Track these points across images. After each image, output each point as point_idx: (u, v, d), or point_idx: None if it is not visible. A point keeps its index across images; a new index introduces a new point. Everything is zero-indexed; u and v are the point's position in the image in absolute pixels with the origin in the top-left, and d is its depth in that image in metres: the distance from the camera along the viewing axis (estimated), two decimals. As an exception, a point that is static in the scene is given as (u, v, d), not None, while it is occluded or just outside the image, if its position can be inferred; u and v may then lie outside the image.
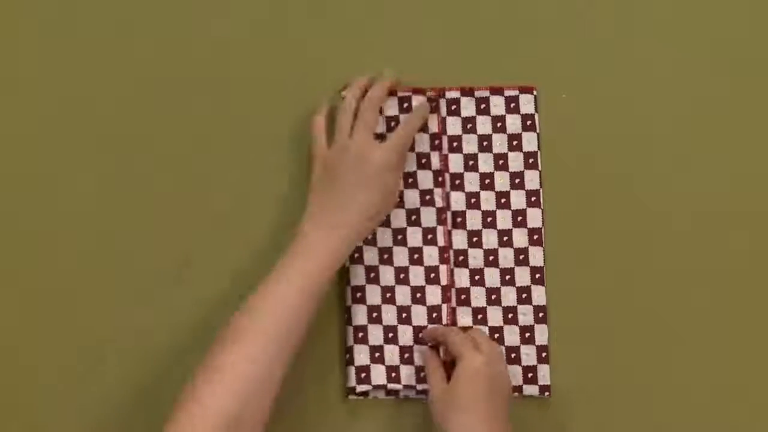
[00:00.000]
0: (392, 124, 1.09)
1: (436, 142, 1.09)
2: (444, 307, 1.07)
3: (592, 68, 1.11)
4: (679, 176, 1.10)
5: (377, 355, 1.07)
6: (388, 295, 1.08)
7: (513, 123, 1.09)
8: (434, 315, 1.07)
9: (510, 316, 1.07)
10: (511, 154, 1.09)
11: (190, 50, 1.12)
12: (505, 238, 1.08)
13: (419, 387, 1.07)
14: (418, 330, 1.08)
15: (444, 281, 1.08)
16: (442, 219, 1.08)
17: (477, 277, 1.08)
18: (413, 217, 1.09)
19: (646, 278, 1.08)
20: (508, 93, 1.08)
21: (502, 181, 1.08)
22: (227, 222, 1.09)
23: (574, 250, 1.09)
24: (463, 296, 1.08)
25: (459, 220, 1.08)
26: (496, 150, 1.09)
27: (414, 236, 1.08)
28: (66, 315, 1.08)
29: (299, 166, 1.10)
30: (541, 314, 1.07)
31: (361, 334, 1.07)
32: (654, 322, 1.08)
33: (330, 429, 1.08)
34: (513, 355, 1.07)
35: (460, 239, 1.08)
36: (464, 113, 1.09)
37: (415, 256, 1.08)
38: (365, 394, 1.07)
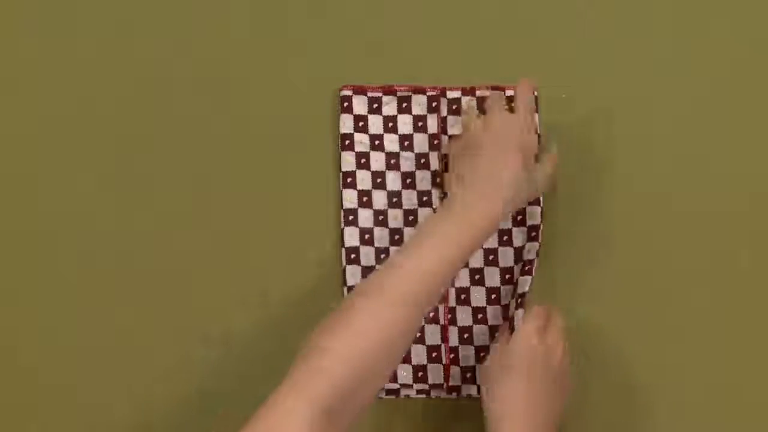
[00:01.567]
0: (389, 125, 1.09)
1: (435, 142, 1.09)
2: (440, 307, 1.07)
3: (591, 68, 1.11)
4: (679, 176, 1.10)
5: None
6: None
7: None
8: (430, 315, 1.07)
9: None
10: None
11: (190, 50, 1.12)
12: (505, 238, 1.08)
13: (417, 386, 1.07)
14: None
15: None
16: None
17: (477, 277, 1.08)
18: (410, 218, 1.09)
19: (645, 278, 1.08)
20: (509, 93, 1.08)
21: None
22: (227, 221, 1.09)
23: (573, 250, 1.09)
24: (462, 296, 1.08)
25: None
26: None
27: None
28: (66, 315, 1.08)
29: (299, 165, 1.10)
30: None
31: None
32: (652, 322, 1.08)
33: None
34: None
35: None
36: None
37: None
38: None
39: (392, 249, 1.08)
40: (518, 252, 1.08)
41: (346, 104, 1.09)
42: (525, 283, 1.04)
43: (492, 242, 1.08)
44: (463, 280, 1.08)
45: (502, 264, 1.08)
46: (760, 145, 1.10)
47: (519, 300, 1.03)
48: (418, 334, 1.07)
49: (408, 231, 1.08)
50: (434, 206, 1.08)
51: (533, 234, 1.07)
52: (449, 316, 1.07)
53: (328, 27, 1.12)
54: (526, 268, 1.06)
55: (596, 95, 1.10)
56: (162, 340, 1.08)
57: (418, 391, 1.07)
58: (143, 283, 1.08)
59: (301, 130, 1.10)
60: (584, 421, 1.07)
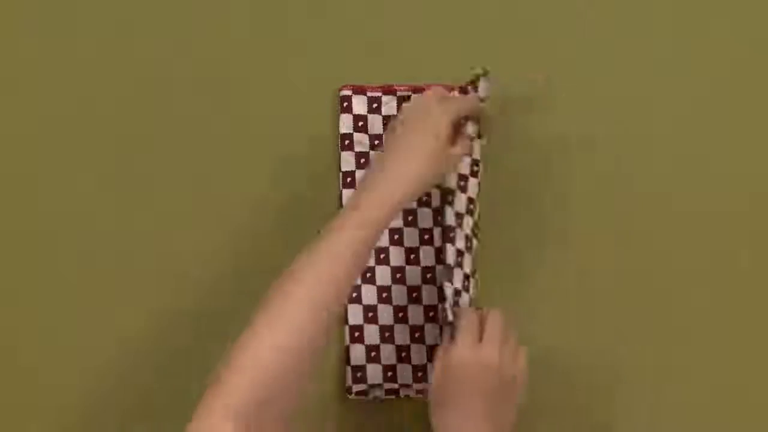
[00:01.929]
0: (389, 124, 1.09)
1: None
2: (440, 306, 1.07)
3: (591, 68, 1.11)
4: (679, 176, 1.10)
5: (373, 354, 1.07)
6: (384, 294, 1.08)
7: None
8: (431, 314, 1.07)
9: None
10: None
11: (190, 50, 1.12)
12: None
13: (416, 386, 1.07)
14: (414, 330, 1.08)
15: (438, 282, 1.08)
16: (438, 220, 1.08)
17: (429, 275, 1.09)
18: (410, 218, 1.09)
19: (645, 278, 1.09)
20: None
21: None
22: (227, 221, 1.09)
23: (573, 249, 1.09)
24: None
25: (439, 218, 1.09)
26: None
27: (411, 237, 1.08)
28: (66, 315, 1.08)
29: (299, 165, 1.10)
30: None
31: (356, 334, 1.07)
32: (652, 322, 1.08)
33: (330, 428, 1.08)
34: None
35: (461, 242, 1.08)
36: None
37: (412, 256, 1.08)
38: (364, 393, 1.07)
39: (392, 249, 1.08)
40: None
41: (345, 104, 1.09)
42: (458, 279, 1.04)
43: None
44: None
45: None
46: (760, 145, 1.10)
47: (455, 301, 1.03)
48: (417, 334, 1.07)
49: (408, 231, 1.08)
50: (433, 206, 1.08)
51: (458, 221, 1.06)
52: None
53: (328, 27, 1.12)
54: (459, 259, 1.05)
55: (596, 95, 1.10)
56: (162, 340, 1.08)
57: (418, 391, 1.07)
58: (143, 283, 1.09)
59: (301, 130, 1.10)
60: (585, 421, 1.07)
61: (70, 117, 1.11)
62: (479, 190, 1.07)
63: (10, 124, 1.11)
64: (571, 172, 1.09)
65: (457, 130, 1.02)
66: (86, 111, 1.11)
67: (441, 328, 1.05)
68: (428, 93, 1.02)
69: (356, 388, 1.07)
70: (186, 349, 1.07)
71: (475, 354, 0.95)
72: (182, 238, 1.09)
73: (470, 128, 1.04)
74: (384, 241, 1.08)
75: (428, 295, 1.08)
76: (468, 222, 1.06)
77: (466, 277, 1.04)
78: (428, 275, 1.08)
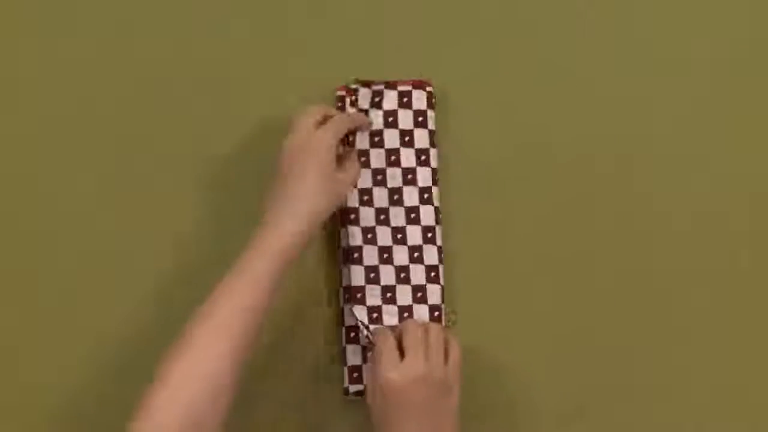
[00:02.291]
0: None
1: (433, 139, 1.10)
2: (443, 306, 1.07)
3: (591, 68, 1.11)
4: (679, 176, 1.10)
5: (369, 354, 1.07)
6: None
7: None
8: (436, 314, 1.07)
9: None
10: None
11: (190, 50, 1.12)
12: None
13: None
14: None
15: (442, 281, 1.08)
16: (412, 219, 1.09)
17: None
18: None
19: (645, 278, 1.08)
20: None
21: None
22: (227, 221, 1.09)
23: (572, 250, 1.09)
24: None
25: (441, 216, 1.09)
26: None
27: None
28: (66, 315, 1.08)
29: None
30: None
31: (352, 334, 1.07)
32: (652, 322, 1.08)
33: (328, 429, 1.08)
34: None
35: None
36: None
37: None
38: (360, 393, 1.07)
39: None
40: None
41: (339, 104, 1.09)
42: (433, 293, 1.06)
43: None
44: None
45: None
46: (760, 145, 1.10)
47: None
48: (420, 294, 1.07)
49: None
50: (435, 204, 1.08)
51: (429, 235, 1.08)
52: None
53: (328, 27, 1.12)
54: (432, 274, 1.07)
55: (596, 95, 1.10)
56: (162, 340, 1.08)
57: None
58: (143, 283, 1.08)
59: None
60: (585, 421, 1.07)
61: (70, 117, 1.11)
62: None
63: (10, 124, 1.11)
64: (572, 172, 1.09)
65: (347, 143, 1.04)
66: (86, 111, 1.11)
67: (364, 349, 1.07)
68: (303, 118, 1.01)
69: (353, 388, 1.06)
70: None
71: (399, 373, 0.95)
72: (182, 237, 1.09)
73: (359, 142, 1.07)
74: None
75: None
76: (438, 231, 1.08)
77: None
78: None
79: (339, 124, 1.02)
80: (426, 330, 0.99)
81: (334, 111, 1.06)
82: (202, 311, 0.94)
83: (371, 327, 1.04)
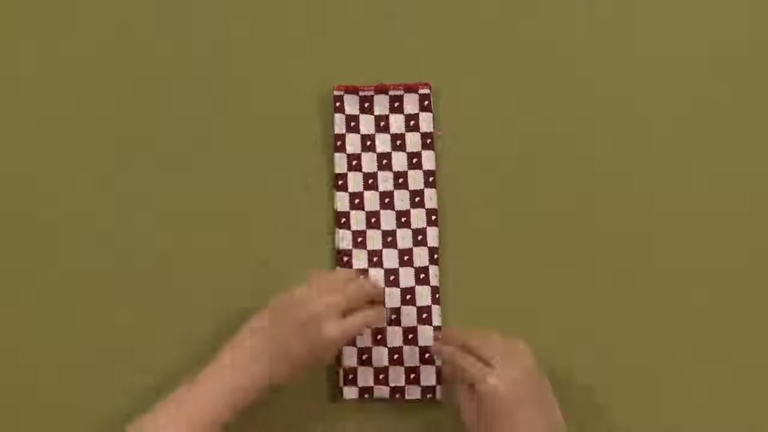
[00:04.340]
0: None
1: (428, 141, 1.09)
2: (434, 308, 1.07)
3: (591, 68, 1.11)
4: (678, 176, 1.10)
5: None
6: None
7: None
8: (424, 316, 1.07)
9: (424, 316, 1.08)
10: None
11: (190, 50, 1.12)
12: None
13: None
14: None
15: (434, 282, 1.08)
16: (432, 220, 1.08)
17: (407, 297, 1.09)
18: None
19: (645, 278, 1.08)
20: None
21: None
22: (227, 221, 1.09)
23: (571, 250, 1.09)
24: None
25: (434, 218, 1.09)
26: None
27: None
28: (66, 315, 1.08)
29: (299, 165, 1.10)
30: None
31: None
32: (652, 322, 1.08)
33: (324, 430, 1.08)
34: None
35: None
36: None
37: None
38: (357, 395, 1.06)
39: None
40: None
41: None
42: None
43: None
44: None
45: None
46: (760, 145, 1.10)
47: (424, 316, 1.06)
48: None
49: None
50: (426, 206, 1.08)
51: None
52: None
53: (328, 27, 1.12)
54: (422, 276, 1.07)
55: (595, 95, 1.10)
56: (161, 340, 1.08)
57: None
58: (143, 283, 1.09)
59: (302, 130, 1.10)
60: (586, 421, 1.07)
61: (70, 117, 1.11)
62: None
63: (10, 124, 1.11)
64: (571, 173, 1.09)
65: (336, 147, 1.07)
66: (86, 111, 1.11)
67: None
68: (314, 287, 0.99)
69: (347, 390, 1.06)
70: (187, 349, 1.07)
71: (497, 378, 0.95)
72: (182, 237, 1.09)
73: (352, 145, 1.09)
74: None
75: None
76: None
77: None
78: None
79: (355, 327, 0.99)
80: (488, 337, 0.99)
81: (344, 283, 1.01)
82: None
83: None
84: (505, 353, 0.97)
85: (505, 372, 0.95)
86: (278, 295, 0.99)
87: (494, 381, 0.94)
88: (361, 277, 1.05)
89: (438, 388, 1.06)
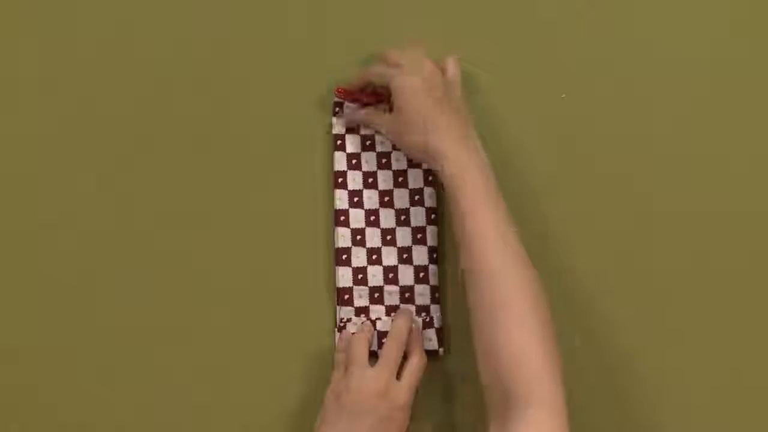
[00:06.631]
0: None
1: None
2: (433, 308, 1.07)
3: (591, 68, 1.11)
4: (678, 176, 1.10)
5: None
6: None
7: None
8: (423, 314, 1.07)
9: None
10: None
11: (190, 50, 1.12)
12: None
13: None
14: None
15: (433, 281, 1.08)
16: (431, 218, 1.08)
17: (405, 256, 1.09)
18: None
19: (645, 278, 1.08)
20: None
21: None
22: (226, 221, 1.10)
23: (572, 250, 1.09)
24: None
25: (433, 216, 1.09)
26: None
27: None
28: (66, 315, 1.08)
29: (299, 165, 1.10)
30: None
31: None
32: (651, 322, 1.08)
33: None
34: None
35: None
36: None
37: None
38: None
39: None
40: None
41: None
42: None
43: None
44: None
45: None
46: (760, 145, 1.10)
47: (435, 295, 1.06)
48: (407, 295, 1.07)
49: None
50: (426, 205, 1.08)
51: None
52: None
53: (328, 27, 1.12)
54: (421, 275, 1.07)
55: (595, 95, 1.10)
56: (161, 340, 1.08)
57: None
58: (143, 283, 1.09)
59: (302, 130, 1.10)
60: (585, 420, 1.07)
61: (70, 117, 1.11)
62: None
63: (10, 124, 1.11)
64: (571, 172, 1.09)
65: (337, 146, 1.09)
66: (86, 111, 1.11)
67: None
68: (381, 368, 1.00)
69: None
70: (187, 349, 1.07)
71: (417, 77, 1.02)
72: (182, 237, 1.09)
73: (353, 145, 1.10)
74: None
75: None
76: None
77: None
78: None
79: (415, 378, 1.01)
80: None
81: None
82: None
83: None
84: (410, 58, 1.03)
85: (415, 68, 1.02)
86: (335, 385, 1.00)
87: (407, 73, 1.01)
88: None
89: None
